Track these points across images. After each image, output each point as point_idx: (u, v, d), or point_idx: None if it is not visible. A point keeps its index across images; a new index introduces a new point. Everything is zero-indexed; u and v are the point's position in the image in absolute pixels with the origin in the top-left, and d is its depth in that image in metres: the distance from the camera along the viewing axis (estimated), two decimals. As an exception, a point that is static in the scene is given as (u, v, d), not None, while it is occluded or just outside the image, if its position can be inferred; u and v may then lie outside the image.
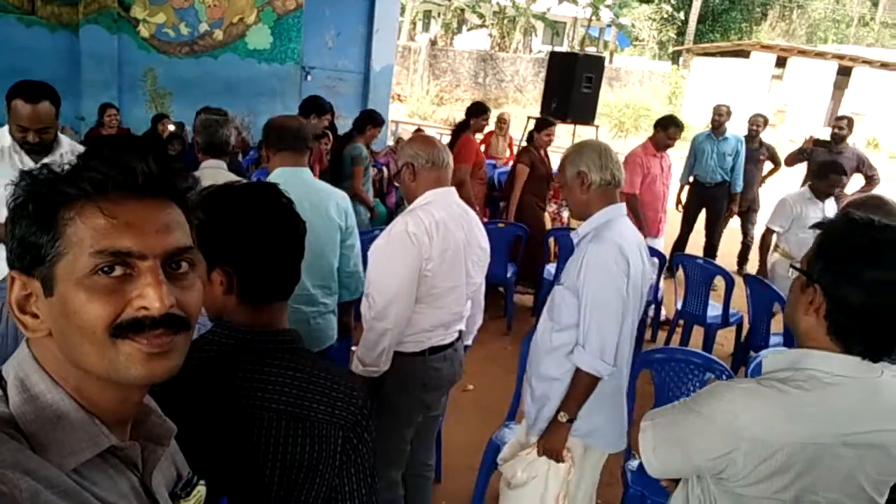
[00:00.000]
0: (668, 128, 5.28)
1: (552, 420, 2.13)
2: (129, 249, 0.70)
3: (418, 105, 20.65)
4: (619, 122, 20.16)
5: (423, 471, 2.61)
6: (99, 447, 0.71)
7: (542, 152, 5.68)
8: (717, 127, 6.39)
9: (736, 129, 6.59)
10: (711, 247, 6.67)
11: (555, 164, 5.55)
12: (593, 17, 27.58)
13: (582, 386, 2.07)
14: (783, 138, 18.12)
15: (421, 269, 2.18)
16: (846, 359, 1.21)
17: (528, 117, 9.21)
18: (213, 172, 2.71)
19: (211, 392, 1.11)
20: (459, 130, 5.72)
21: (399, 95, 20.67)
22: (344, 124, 9.00)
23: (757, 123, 6.72)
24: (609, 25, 29.68)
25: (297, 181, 2.49)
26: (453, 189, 2.37)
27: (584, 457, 2.19)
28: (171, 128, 6.63)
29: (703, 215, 6.64)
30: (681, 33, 31.41)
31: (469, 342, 2.68)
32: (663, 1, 31.70)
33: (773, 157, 6.77)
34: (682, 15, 31.39)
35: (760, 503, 1.24)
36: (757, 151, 6.64)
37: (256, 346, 1.16)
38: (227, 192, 1.20)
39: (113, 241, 0.70)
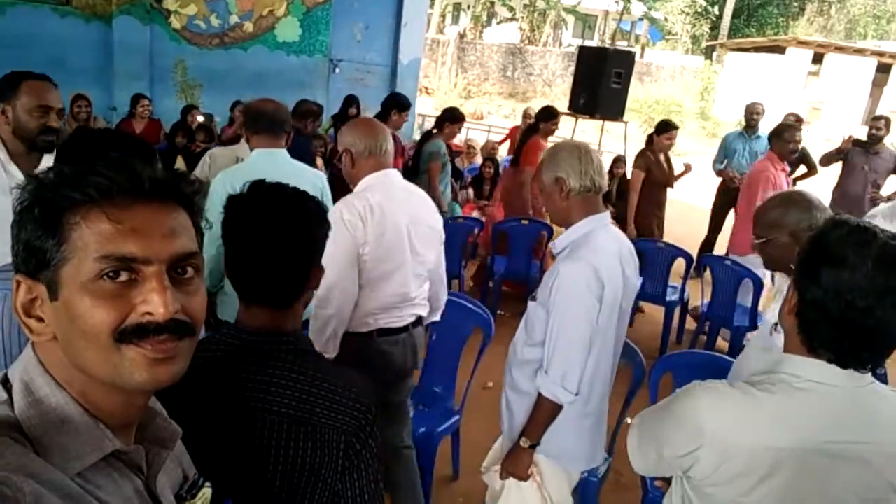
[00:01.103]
0: (786, 133, 4.83)
1: (515, 444, 2.08)
2: (134, 255, 0.70)
3: (446, 98, 20.59)
4: (648, 118, 19.88)
5: (401, 450, 2.57)
6: (103, 451, 0.71)
7: (663, 156, 5.47)
8: (753, 125, 6.25)
9: (766, 125, 6.43)
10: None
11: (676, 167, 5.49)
12: (625, 11, 27.22)
13: (544, 411, 1.99)
14: (818, 137, 17.72)
15: (359, 254, 2.21)
16: (823, 365, 1.19)
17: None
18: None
19: (215, 392, 1.12)
20: (528, 134, 5.61)
21: (427, 88, 20.65)
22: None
23: (753, 112, 6.53)
24: (641, 19, 29.28)
25: (272, 161, 2.67)
26: (392, 171, 2.38)
27: (551, 475, 2.13)
28: (200, 119, 6.70)
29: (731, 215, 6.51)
30: (715, 28, 30.85)
31: (437, 318, 2.69)
32: (697, -6, 31.18)
33: (806, 160, 6.48)
34: (716, 9, 30.82)
35: None
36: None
37: (261, 347, 1.16)
38: (237, 195, 1.21)
39: (118, 246, 0.69)
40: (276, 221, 1.18)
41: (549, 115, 5.54)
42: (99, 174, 0.70)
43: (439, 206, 5.18)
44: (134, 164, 0.73)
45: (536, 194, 5.34)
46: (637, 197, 5.35)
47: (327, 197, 2.81)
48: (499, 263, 5.27)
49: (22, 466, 0.63)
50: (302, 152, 4.26)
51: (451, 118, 5.33)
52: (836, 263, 1.15)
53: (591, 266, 1.90)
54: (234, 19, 8.35)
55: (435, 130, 5.36)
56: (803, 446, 1.17)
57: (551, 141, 5.62)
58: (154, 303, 0.70)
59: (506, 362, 2.23)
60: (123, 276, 0.70)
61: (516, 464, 2.08)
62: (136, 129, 6.51)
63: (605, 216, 2.04)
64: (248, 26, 8.45)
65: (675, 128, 5.52)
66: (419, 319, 2.48)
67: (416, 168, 5.29)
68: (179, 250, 0.74)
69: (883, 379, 2.79)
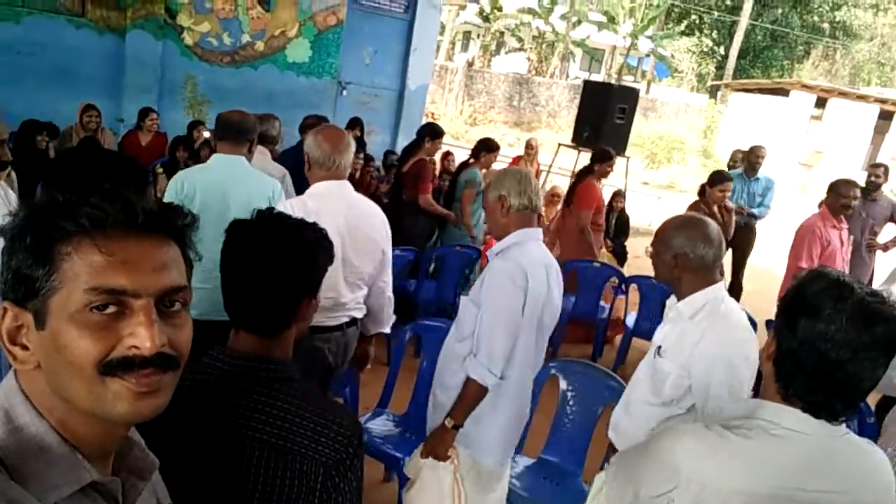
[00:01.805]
0: (842, 188, 4.61)
1: (440, 425, 2.19)
2: (124, 288, 0.70)
3: (452, 124, 20.75)
4: (651, 154, 20.02)
5: None
6: (80, 482, 0.71)
7: (716, 208, 5.19)
8: (755, 168, 6.31)
9: (768, 168, 6.49)
10: (738, 287, 6.55)
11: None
12: (632, 47, 27.56)
13: (470, 393, 2.13)
14: (820, 180, 17.82)
15: None
16: (798, 414, 1.21)
17: (559, 144, 9.20)
18: (259, 156, 3.54)
19: (198, 416, 1.12)
20: (582, 175, 5.58)
21: (433, 114, 20.82)
22: (376, 140, 9.13)
23: (759, 156, 6.59)
24: (648, 55, 29.63)
25: (228, 165, 2.89)
26: (343, 183, 2.56)
27: (465, 465, 2.23)
28: (206, 135, 6.75)
29: (728, 255, 6.54)
30: (720, 67, 31.18)
31: (385, 330, 2.85)
32: (704, 34, 31.55)
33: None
34: (722, 49, 31.20)
35: None
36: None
37: (247, 372, 1.16)
38: (239, 220, 1.23)
39: (108, 278, 0.70)
40: (268, 250, 1.19)
41: (604, 157, 5.46)
42: (92, 205, 0.71)
43: (468, 231, 5.37)
44: (128, 196, 0.73)
45: (597, 238, 5.45)
46: None
47: (278, 200, 2.92)
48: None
49: (1, 493, 0.63)
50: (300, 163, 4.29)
51: (486, 148, 5.50)
52: (812, 315, 1.18)
53: (519, 263, 2.12)
54: (245, 38, 8.45)
55: (472, 160, 5.54)
56: (776, 493, 1.18)
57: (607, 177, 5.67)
58: (141, 336, 0.70)
59: (437, 366, 2.36)
60: (112, 309, 0.70)
61: (438, 443, 2.18)
62: (141, 141, 6.57)
63: (537, 232, 2.25)
64: (260, 45, 8.55)
65: (729, 179, 5.31)
66: (353, 321, 2.62)
67: (451, 195, 5.54)
68: (168, 284, 0.74)
69: (873, 428, 2.78)
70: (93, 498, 0.73)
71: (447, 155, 8.11)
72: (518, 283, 2.09)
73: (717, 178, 5.28)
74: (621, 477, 1.42)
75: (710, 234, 1.98)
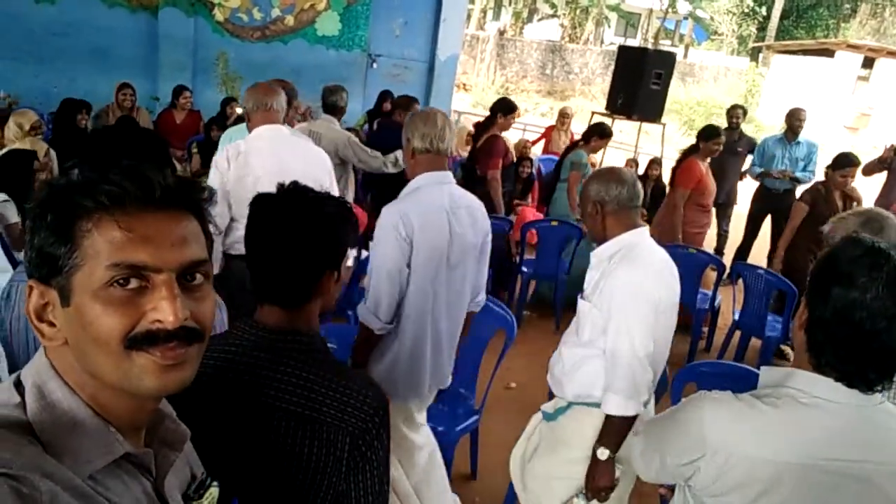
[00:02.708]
0: None
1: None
2: (145, 263, 0.71)
3: (483, 95, 20.54)
4: (688, 120, 19.53)
5: None
6: (113, 455, 0.72)
7: (838, 194, 4.82)
8: (796, 131, 6.11)
9: (811, 132, 6.29)
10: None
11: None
12: (670, 9, 26.76)
13: (361, 335, 2.25)
14: (866, 144, 17.17)
15: (227, 191, 2.78)
16: (830, 383, 1.17)
17: (593, 112, 9.03)
18: (325, 124, 4.29)
19: (227, 387, 1.14)
20: (687, 153, 5.32)
21: (465, 85, 20.63)
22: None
23: (736, 115, 6.60)
24: (686, 18, 28.76)
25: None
26: (278, 127, 2.88)
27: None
28: (239, 111, 6.80)
29: (767, 222, 6.37)
30: (762, 29, 30.09)
31: None
32: (745, -6, 30.44)
33: (753, 150, 6.50)
34: (763, 10, 30.07)
35: None
36: (736, 144, 6.43)
37: (273, 344, 1.18)
38: (266, 194, 1.24)
39: (129, 254, 0.70)
40: (288, 223, 1.20)
41: (711, 134, 5.15)
42: (110, 182, 0.71)
43: (573, 209, 5.36)
44: (146, 172, 0.74)
45: (695, 220, 5.15)
46: (793, 231, 4.78)
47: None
48: (526, 264, 5.25)
49: (38, 466, 0.65)
50: (386, 141, 4.65)
51: (599, 133, 5.46)
52: (847, 284, 1.13)
53: (403, 212, 2.11)
54: (275, 13, 8.46)
55: (581, 143, 5.50)
56: (805, 462, 1.16)
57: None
58: (164, 310, 0.71)
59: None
60: (134, 284, 0.71)
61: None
62: (176, 119, 6.65)
63: (444, 175, 2.23)
64: (290, 20, 8.55)
65: (854, 164, 4.82)
66: None
67: (556, 175, 5.67)
68: (189, 258, 0.75)
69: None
70: (126, 469, 0.75)
71: (524, 142, 8.06)
72: (400, 233, 2.09)
73: (841, 162, 4.76)
74: (649, 444, 1.41)
75: (623, 175, 2.07)
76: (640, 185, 2.10)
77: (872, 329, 1.12)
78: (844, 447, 1.16)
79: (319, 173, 2.93)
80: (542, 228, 5.17)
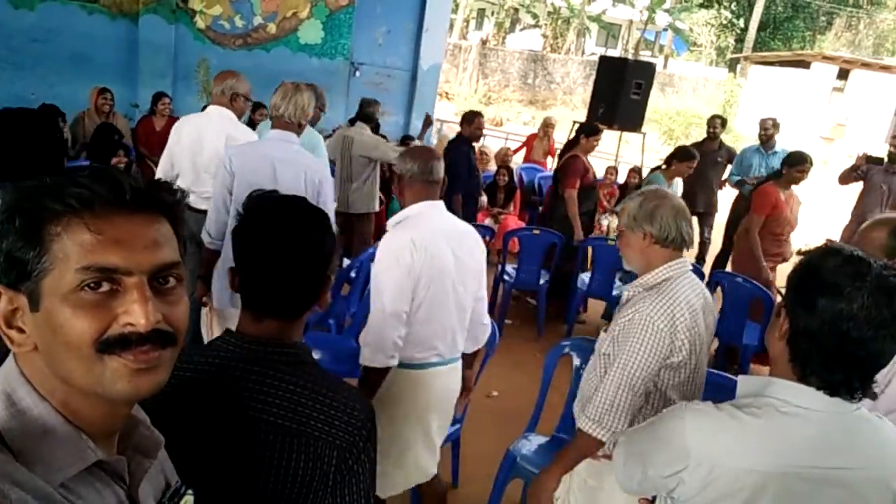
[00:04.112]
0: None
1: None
2: (116, 266, 0.70)
3: (466, 104, 20.60)
4: (668, 130, 19.75)
5: None
6: (85, 462, 0.71)
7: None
8: (766, 141, 6.22)
9: (788, 142, 6.40)
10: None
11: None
12: (649, 21, 27.08)
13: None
14: (841, 154, 17.48)
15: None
16: (811, 392, 1.19)
17: (574, 122, 9.09)
18: (359, 130, 5.04)
19: (212, 399, 1.12)
20: (770, 178, 5.14)
21: (447, 93, 20.69)
22: (389, 121, 9.09)
23: (715, 125, 6.70)
24: (665, 29, 29.11)
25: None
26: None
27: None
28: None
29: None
30: (740, 40, 30.55)
31: None
32: (723, 6, 30.88)
33: (732, 160, 6.66)
34: (742, 22, 30.55)
35: None
36: (716, 153, 6.56)
37: (260, 356, 1.16)
38: (254, 200, 1.23)
39: (99, 257, 0.69)
40: (293, 235, 1.19)
41: (796, 161, 4.79)
42: (79, 184, 0.70)
43: None
44: (115, 174, 0.73)
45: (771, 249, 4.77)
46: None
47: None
48: (509, 272, 5.27)
49: (7, 474, 0.63)
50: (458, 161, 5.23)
51: (683, 156, 5.18)
52: (833, 294, 1.14)
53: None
54: (258, 20, 8.43)
55: (663, 166, 5.34)
56: (787, 470, 1.17)
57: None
58: (136, 313, 0.70)
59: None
60: (105, 287, 0.70)
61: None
62: (156, 126, 6.60)
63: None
64: (272, 28, 8.53)
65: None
66: None
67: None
68: (161, 261, 0.74)
69: None
70: (99, 477, 0.74)
71: (505, 151, 8.13)
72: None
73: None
74: (630, 456, 1.41)
75: (420, 154, 2.25)
76: (437, 162, 2.23)
77: (860, 338, 1.13)
78: (825, 454, 1.18)
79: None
80: (525, 237, 5.19)
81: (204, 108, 4.35)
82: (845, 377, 1.17)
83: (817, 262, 1.20)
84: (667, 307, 1.81)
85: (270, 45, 8.56)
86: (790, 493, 1.17)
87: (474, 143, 5.70)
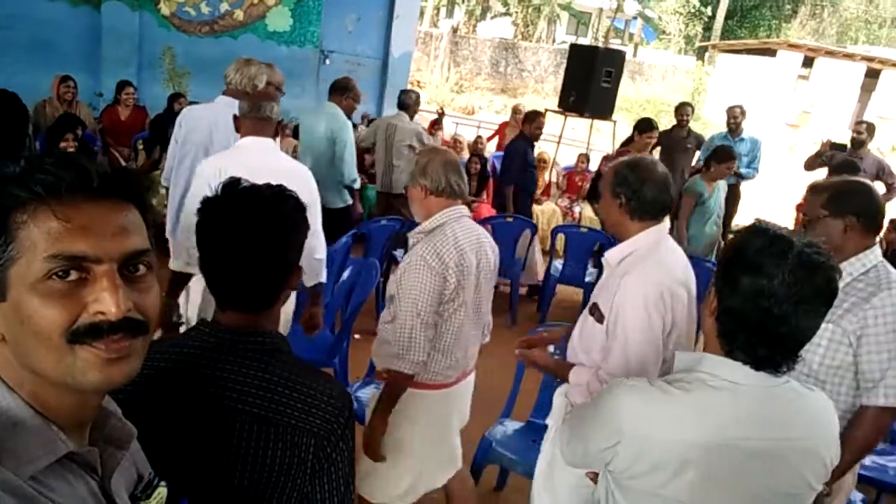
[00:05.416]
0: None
1: None
2: (84, 253, 0.69)
3: (437, 92, 20.54)
4: (638, 118, 19.95)
5: None
6: (56, 454, 0.70)
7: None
8: (734, 128, 6.32)
9: (755, 129, 6.51)
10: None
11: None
12: (619, 9, 27.24)
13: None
14: (807, 140, 17.83)
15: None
16: (738, 366, 1.23)
17: (546, 109, 9.12)
18: (399, 117, 5.60)
19: (186, 389, 1.11)
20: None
21: (419, 82, 20.59)
22: (361, 109, 8.99)
23: (686, 113, 6.78)
24: (635, 18, 29.32)
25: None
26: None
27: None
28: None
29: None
30: (708, 28, 30.90)
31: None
32: (691, -6, 31.20)
33: (701, 146, 6.77)
34: (709, 10, 30.89)
35: (647, 498, 1.27)
36: (685, 140, 6.68)
37: (235, 346, 1.14)
38: (211, 197, 1.19)
39: (67, 245, 0.68)
40: (251, 227, 1.15)
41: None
42: (45, 171, 0.69)
43: (679, 241, 5.15)
44: (82, 161, 0.71)
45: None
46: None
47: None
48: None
49: None
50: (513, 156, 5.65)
51: (723, 157, 5.01)
52: (755, 273, 1.19)
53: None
54: (224, 7, 8.28)
55: (704, 170, 5.19)
56: (716, 442, 1.21)
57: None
58: (106, 302, 0.69)
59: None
60: (73, 276, 0.69)
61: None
62: (121, 116, 6.47)
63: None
64: (239, 14, 8.38)
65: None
66: None
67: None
68: (131, 248, 0.72)
69: None
70: (70, 469, 0.73)
71: (478, 139, 8.04)
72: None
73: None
74: (573, 433, 1.46)
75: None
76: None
77: (781, 314, 1.17)
78: (753, 426, 1.21)
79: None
80: (498, 224, 5.21)
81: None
82: (769, 353, 1.21)
83: (743, 242, 1.25)
84: (437, 247, 2.07)
85: (238, 32, 8.42)
86: (718, 464, 1.21)
87: (534, 142, 5.82)
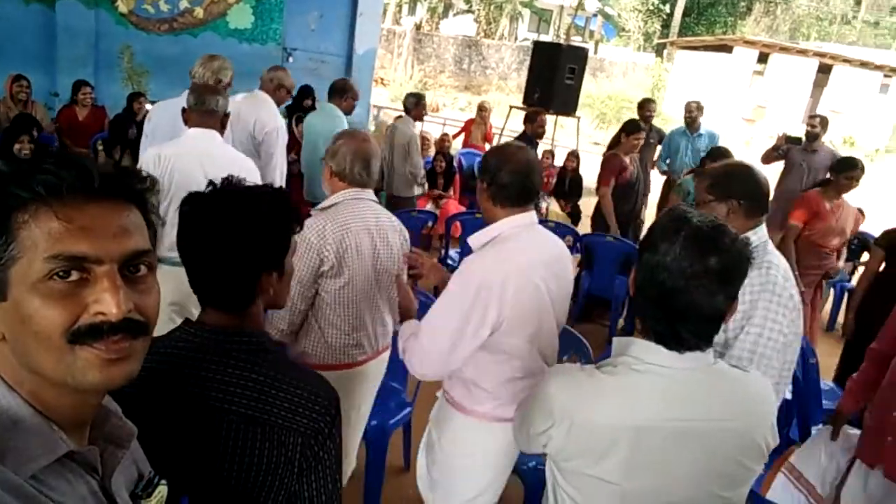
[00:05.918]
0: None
1: None
2: (85, 254, 0.69)
3: (401, 90, 20.46)
4: (601, 114, 20.20)
5: None
6: (56, 453, 0.70)
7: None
8: (691, 123, 6.46)
9: (713, 124, 6.66)
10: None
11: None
12: (580, 7, 27.50)
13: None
14: (762, 134, 18.30)
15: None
16: (662, 350, 1.27)
17: (511, 106, 9.19)
18: (404, 121, 5.80)
19: (173, 389, 1.11)
20: (820, 184, 4.68)
21: (382, 79, 20.50)
22: (325, 108, 8.94)
23: (650, 109, 6.79)
24: (595, 15, 29.63)
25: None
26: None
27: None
28: (148, 107, 6.51)
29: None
30: (666, 25, 31.46)
31: None
32: (650, -8, 31.70)
33: (662, 141, 6.93)
34: (667, 7, 31.44)
35: (581, 478, 1.31)
36: (648, 135, 6.78)
37: (220, 346, 1.14)
38: (192, 193, 1.19)
39: (68, 245, 0.68)
40: (221, 225, 1.14)
41: (844, 167, 4.39)
42: (47, 171, 0.69)
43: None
44: (83, 161, 0.71)
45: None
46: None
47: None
48: (452, 256, 5.31)
49: None
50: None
51: (716, 158, 4.61)
52: (653, 249, 1.25)
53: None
54: (183, 4, 8.12)
55: (696, 172, 5.15)
56: (640, 424, 1.25)
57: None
58: (107, 302, 0.69)
59: None
60: (74, 276, 0.69)
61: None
62: (79, 116, 6.31)
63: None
64: (199, 12, 8.23)
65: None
66: None
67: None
68: (131, 249, 0.73)
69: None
70: (70, 468, 0.73)
71: (444, 137, 8.03)
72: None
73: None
74: (520, 419, 1.54)
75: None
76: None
77: (673, 288, 1.22)
78: (678, 408, 1.26)
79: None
80: (467, 220, 5.24)
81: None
82: (670, 328, 1.25)
83: (654, 224, 1.33)
84: (320, 224, 2.15)
85: (198, 30, 8.27)
86: (644, 445, 1.25)
87: (537, 141, 5.81)
